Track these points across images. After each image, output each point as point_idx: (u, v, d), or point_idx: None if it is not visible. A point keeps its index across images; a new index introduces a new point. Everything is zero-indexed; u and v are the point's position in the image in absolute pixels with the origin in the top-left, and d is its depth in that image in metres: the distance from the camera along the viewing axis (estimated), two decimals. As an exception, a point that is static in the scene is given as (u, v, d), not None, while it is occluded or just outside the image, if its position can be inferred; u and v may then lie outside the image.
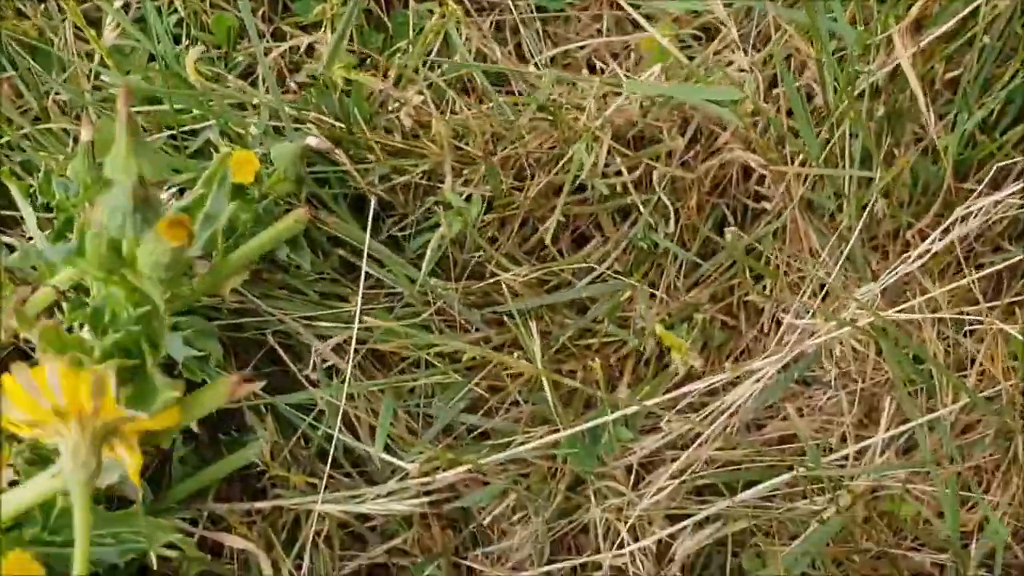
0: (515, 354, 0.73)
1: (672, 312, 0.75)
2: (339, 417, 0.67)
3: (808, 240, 0.72)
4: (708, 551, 0.72)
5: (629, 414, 0.70)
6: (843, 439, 0.69)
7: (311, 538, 0.71)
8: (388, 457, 0.67)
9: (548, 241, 0.72)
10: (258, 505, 0.72)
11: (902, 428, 0.67)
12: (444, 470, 0.68)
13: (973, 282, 0.58)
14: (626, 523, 0.69)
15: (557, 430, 0.69)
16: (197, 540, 0.72)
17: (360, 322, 0.72)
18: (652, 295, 0.75)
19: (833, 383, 0.71)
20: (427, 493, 0.68)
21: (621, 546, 0.69)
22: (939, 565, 0.68)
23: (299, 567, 0.72)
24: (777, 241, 0.74)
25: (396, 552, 0.75)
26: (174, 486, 0.72)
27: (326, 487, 0.70)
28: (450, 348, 0.72)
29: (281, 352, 0.73)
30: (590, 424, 0.66)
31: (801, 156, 0.70)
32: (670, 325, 0.75)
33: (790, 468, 0.68)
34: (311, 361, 0.73)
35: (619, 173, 0.72)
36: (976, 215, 0.60)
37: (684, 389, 0.67)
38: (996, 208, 0.60)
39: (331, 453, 0.67)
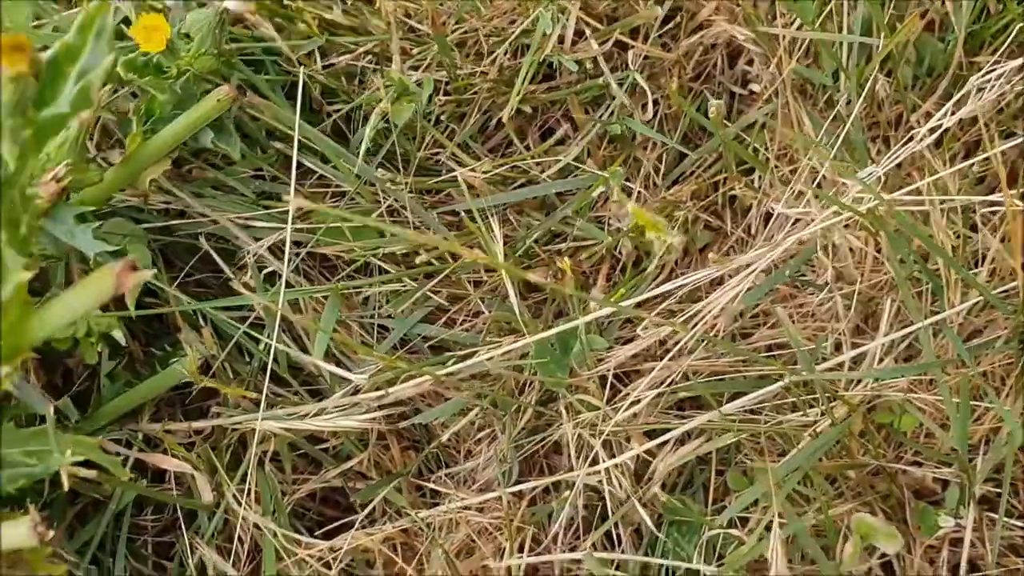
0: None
1: (651, 211, 0.67)
2: (276, 324, 0.60)
3: (801, 127, 0.64)
4: (691, 468, 0.66)
5: (603, 320, 0.63)
6: (838, 346, 0.62)
7: (256, 459, 0.64)
8: (333, 368, 0.60)
9: (506, 119, 0.63)
10: (196, 425, 0.65)
11: (903, 332, 0.60)
12: (400, 383, 0.62)
13: (995, 157, 0.50)
14: (600, 439, 0.63)
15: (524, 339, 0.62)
16: (132, 463, 0.66)
17: (300, 220, 0.65)
18: (628, 192, 0.67)
19: (828, 285, 0.63)
20: (381, 408, 0.61)
21: (595, 463, 0.62)
22: (942, 481, 0.62)
23: (245, 491, 0.66)
24: (767, 131, 0.66)
25: (352, 475, 0.69)
26: (104, 404, 0.65)
27: (272, 405, 0.64)
28: (403, 248, 0.65)
29: (216, 256, 0.66)
30: (560, 329, 0.58)
31: (796, 24, 0.62)
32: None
33: (780, 378, 0.61)
34: (247, 265, 0.65)
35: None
36: (993, 86, 0.52)
37: (664, 287, 0.59)
38: (1017, 78, 0.52)
39: (269, 365, 0.60)
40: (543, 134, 0.70)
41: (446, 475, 0.68)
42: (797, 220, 0.59)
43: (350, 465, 0.68)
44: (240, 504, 0.65)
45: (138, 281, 0.39)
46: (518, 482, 0.66)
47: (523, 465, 0.67)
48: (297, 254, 0.64)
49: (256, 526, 0.65)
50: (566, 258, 0.61)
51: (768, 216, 0.66)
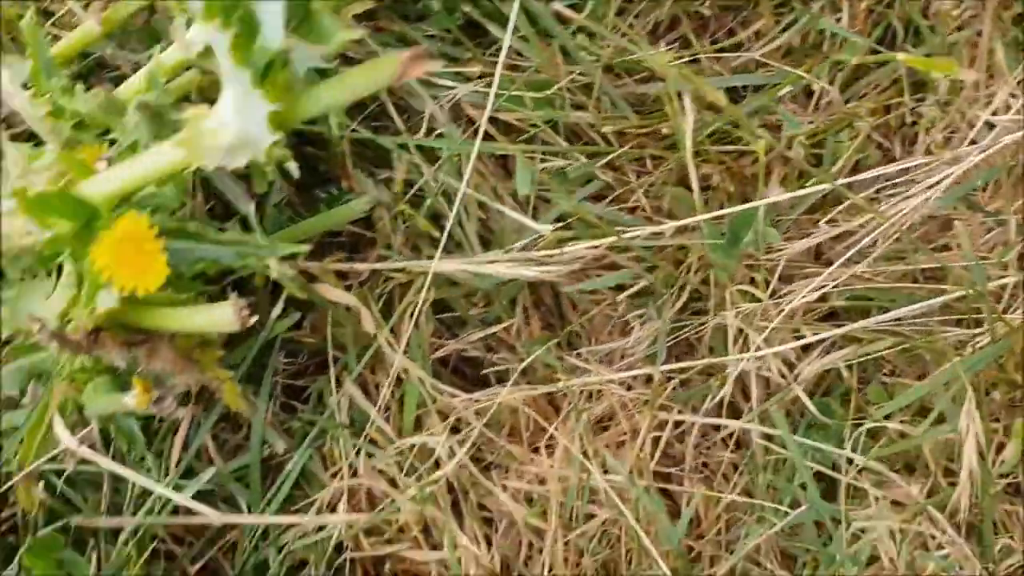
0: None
1: (825, 124, 0.68)
2: (470, 169, 0.60)
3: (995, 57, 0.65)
4: (833, 376, 0.67)
5: (775, 217, 0.64)
6: (1005, 267, 0.63)
7: (412, 307, 0.65)
8: (521, 217, 0.60)
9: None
10: (360, 266, 0.66)
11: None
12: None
13: None
14: (759, 332, 0.63)
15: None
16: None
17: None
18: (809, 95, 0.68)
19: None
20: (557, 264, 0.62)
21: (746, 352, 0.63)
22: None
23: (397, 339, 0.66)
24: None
25: (495, 343, 0.70)
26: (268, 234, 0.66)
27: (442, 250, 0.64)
28: (584, 122, 0.66)
29: (393, 111, 0.66)
30: (736, 209, 0.59)
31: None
32: (821, 140, 0.68)
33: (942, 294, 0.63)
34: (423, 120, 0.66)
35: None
36: None
37: (846, 179, 0.60)
38: None
39: (455, 210, 0.61)
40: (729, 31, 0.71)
41: (589, 352, 0.69)
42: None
43: (493, 330, 0.69)
44: (393, 348, 0.65)
45: (425, 70, 0.39)
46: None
47: (672, 350, 0.68)
48: (472, 121, 0.65)
49: (402, 374, 0.66)
50: (761, 139, 0.61)
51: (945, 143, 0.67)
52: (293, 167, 0.60)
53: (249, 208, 0.52)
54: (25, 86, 0.52)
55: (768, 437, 0.67)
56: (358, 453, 0.66)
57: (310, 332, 0.69)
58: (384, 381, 0.67)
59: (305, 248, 0.51)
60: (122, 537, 0.63)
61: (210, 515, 0.56)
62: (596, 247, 0.60)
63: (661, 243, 0.64)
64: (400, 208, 0.65)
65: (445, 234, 0.60)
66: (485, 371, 0.69)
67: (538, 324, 0.70)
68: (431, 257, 0.64)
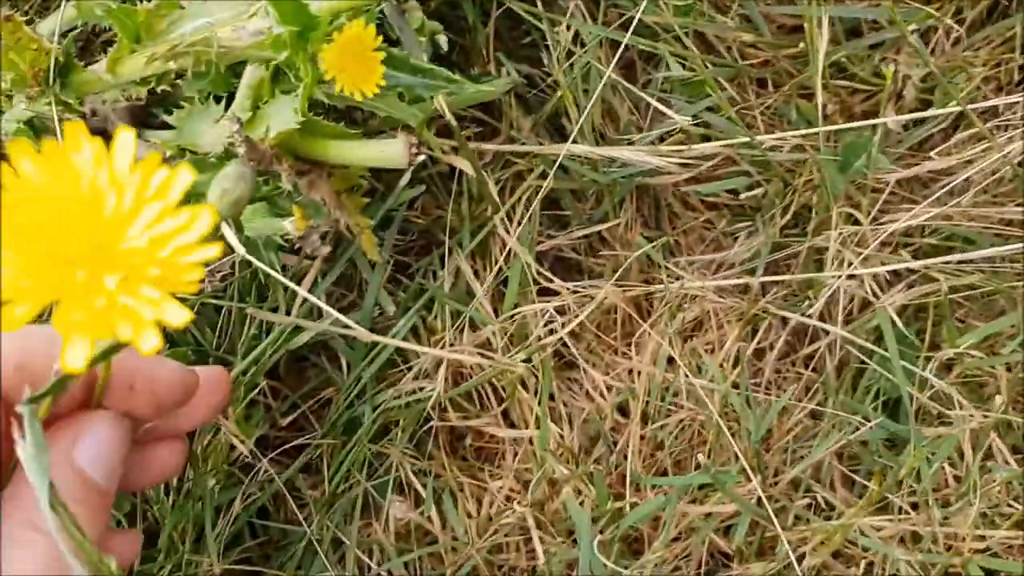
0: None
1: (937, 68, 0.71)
2: (615, 61, 0.63)
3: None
4: (912, 311, 0.70)
5: (890, 142, 0.67)
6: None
7: (528, 193, 0.68)
8: (660, 106, 0.63)
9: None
10: (486, 146, 0.68)
11: None
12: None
13: None
14: (856, 255, 0.67)
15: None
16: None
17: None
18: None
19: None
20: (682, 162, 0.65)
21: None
22: None
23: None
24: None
25: (596, 242, 0.73)
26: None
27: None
28: (714, 35, 0.69)
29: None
30: (856, 125, 0.62)
31: None
32: (932, 86, 0.71)
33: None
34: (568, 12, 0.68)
35: None
36: None
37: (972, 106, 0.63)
38: None
39: (594, 97, 0.63)
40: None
41: (687, 260, 0.72)
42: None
43: (598, 229, 0.72)
44: (507, 229, 0.68)
45: None
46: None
47: (768, 266, 0.71)
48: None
49: (509, 259, 0.69)
50: (886, 67, 0.64)
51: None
52: (443, 40, 0.63)
53: (420, 55, 0.54)
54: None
55: (841, 362, 0.70)
56: (460, 331, 0.69)
57: (420, 212, 0.72)
58: (488, 266, 0.70)
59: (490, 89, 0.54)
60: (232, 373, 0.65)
61: (359, 331, 0.58)
62: (727, 145, 0.62)
63: (778, 158, 0.67)
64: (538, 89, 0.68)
65: (580, 122, 0.62)
66: (585, 264, 0.72)
67: (638, 230, 0.73)
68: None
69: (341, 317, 0.55)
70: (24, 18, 0.51)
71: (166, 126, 0.60)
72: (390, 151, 0.50)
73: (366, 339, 0.61)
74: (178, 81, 0.57)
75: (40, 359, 0.35)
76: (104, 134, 0.63)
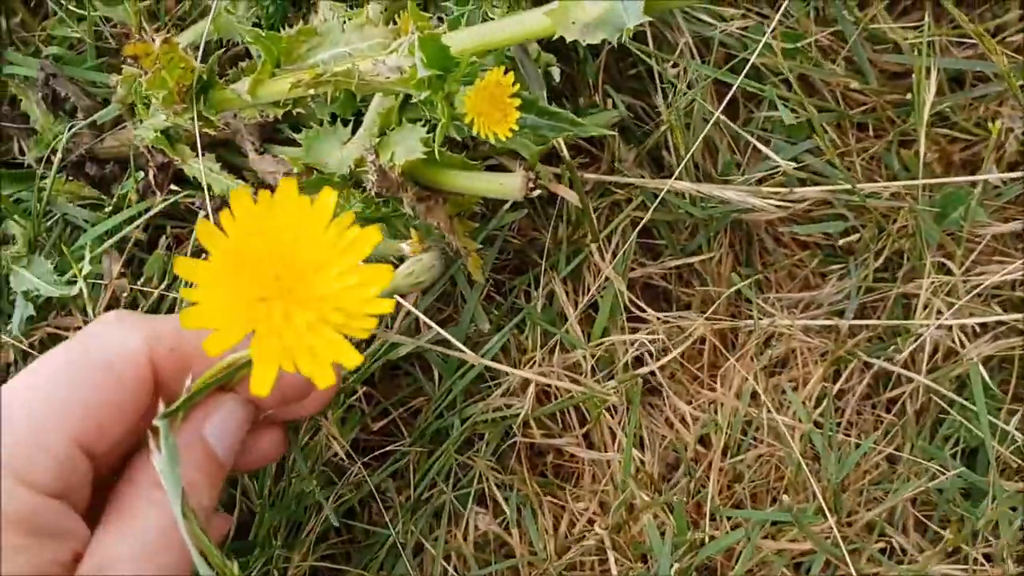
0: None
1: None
2: (726, 100, 0.65)
3: None
4: (997, 362, 0.71)
5: (988, 194, 0.68)
6: None
7: (625, 223, 0.71)
8: (765, 148, 0.65)
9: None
10: (589, 175, 0.71)
11: None
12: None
13: None
14: (947, 305, 0.68)
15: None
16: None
17: None
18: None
19: None
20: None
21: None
22: None
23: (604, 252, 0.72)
24: None
25: (687, 274, 0.75)
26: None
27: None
28: (819, 79, 0.70)
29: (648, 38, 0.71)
30: (957, 180, 0.64)
31: None
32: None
33: None
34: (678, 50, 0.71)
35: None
36: None
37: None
38: None
39: (700, 135, 0.66)
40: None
41: (776, 297, 0.74)
42: None
43: (699, 258, 0.74)
44: (603, 258, 0.71)
45: None
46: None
47: (857, 311, 0.72)
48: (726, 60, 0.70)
49: (601, 285, 0.72)
50: (991, 121, 0.66)
51: None
52: (556, 72, 0.66)
53: (541, 93, 0.57)
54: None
55: (922, 408, 0.71)
56: (550, 352, 0.72)
57: (517, 234, 0.75)
58: (581, 291, 0.72)
59: (605, 131, 0.56)
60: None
61: (468, 356, 0.61)
62: (828, 191, 0.64)
63: (875, 203, 0.69)
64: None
65: (684, 160, 0.65)
66: (674, 294, 0.74)
67: (730, 264, 0.75)
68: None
69: (442, 332, 0.58)
70: (162, 34, 0.55)
71: (292, 141, 0.63)
72: (508, 184, 0.53)
73: (469, 360, 0.64)
74: (300, 111, 0.61)
75: (190, 345, 0.41)
76: (231, 145, 0.67)
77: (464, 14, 0.53)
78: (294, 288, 0.34)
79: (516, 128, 0.46)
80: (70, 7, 0.71)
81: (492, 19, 0.50)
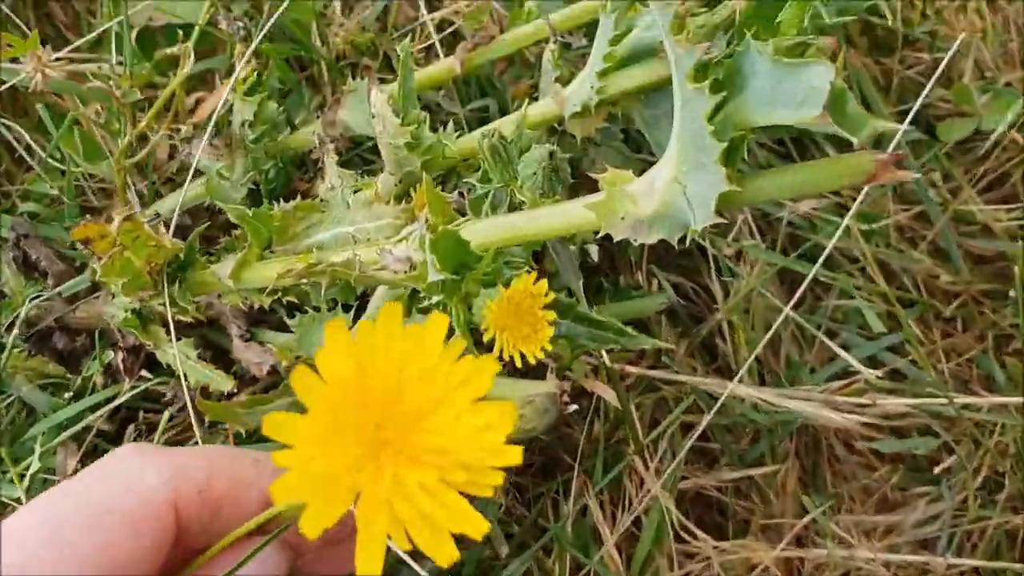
0: None
1: None
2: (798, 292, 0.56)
3: None
4: None
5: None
6: None
7: (671, 428, 0.60)
8: (843, 353, 0.56)
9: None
10: (632, 368, 0.61)
11: None
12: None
13: None
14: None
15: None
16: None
17: None
18: None
19: None
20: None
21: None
22: None
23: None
24: None
25: (744, 486, 0.64)
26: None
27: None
28: (899, 265, 0.61)
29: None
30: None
31: None
32: None
33: None
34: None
35: None
36: None
37: None
38: None
39: (769, 333, 0.56)
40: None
41: (853, 521, 0.63)
42: None
43: (760, 472, 0.63)
44: (647, 466, 0.60)
45: (896, 178, 0.35)
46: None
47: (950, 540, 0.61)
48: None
49: (642, 495, 0.61)
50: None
51: None
52: (594, 251, 0.58)
53: (578, 285, 0.48)
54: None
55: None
56: None
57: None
58: (620, 503, 0.62)
59: (660, 343, 0.46)
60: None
61: None
62: (918, 404, 0.54)
63: (971, 416, 0.59)
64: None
65: (749, 360, 0.55)
66: (731, 508, 0.63)
67: (796, 476, 0.64)
68: (706, 376, 0.60)
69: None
70: (122, 211, 0.47)
71: (284, 326, 0.55)
72: (540, 402, 0.44)
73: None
74: (292, 300, 0.52)
75: (221, 486, 0.35)
76: (216, 326, 0.59)
77: (488, 193, 0.44)
78: (400, 438, 0.28)
79: (549, 348, 0.37)
80: (50, 161, 0.63)
81: (520, 204, 0.41)
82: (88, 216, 0.65)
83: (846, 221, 0.55)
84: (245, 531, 0.34)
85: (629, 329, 0.41)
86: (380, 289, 0.49)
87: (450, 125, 0.50)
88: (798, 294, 0.53)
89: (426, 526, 0.28)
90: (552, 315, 0.37)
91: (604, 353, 0.50)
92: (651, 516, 0.61)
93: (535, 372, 0.49)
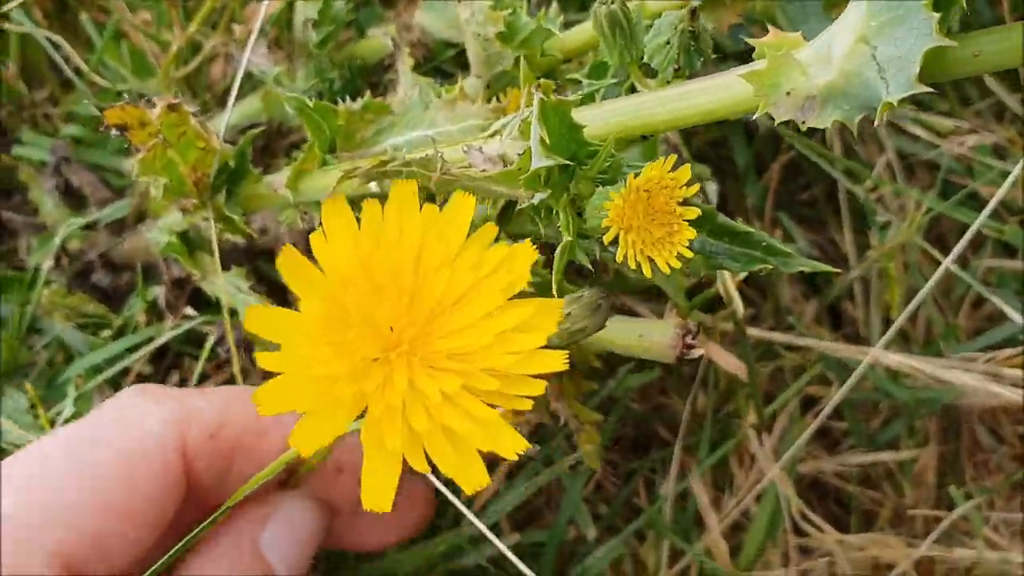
0: None
1: None
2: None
3: None
4: None
5: None
6: None
7: (793, 401, 0.52)
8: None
9: None
10: (754, 331, 0.53)
11: None
12: None
13: None
14: None
15: None
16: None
17: None
18: None
19: None
20: None
21: None
22: None
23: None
24: None
25: (874, 473, 0.55)
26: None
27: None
28: None
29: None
30: None
31: None
32: None
33: None
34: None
35: None
36: None
37: None
38: None
39: (920, 295, 0.47)
40: None
41: (1003, 520, 0.53)
42: None
43: (894, 457, 0.54)
44: (761, 443, 0.52)
45: None
46: None
47: None
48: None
49: (753, 478, 0.52)
50: None
51: None
52: (712, 189, 0.49)
53: (713, 195, 0.40)
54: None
55: None
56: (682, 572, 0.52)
57: (638, 396, 0.57)
58: (727, 485, 0.53)
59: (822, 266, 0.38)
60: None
61: None
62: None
63: None
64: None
65: (898, 321, 0.46)
66: (857, 498, 0.54)
67: (935, 465, 0.55)
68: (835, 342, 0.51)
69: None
70: (194, 109, 0.40)
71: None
72: (656, 340, 0.35)
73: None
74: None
75: (236, 429, 0.32)
76: (271, 254, 0.52)
77: (600, 90, 0.36)
78: (417, 339, 0.24)
79: (688, 255, 0.29)
80: (95, 79, 0.57)
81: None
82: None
83: (1017, 170, 0.46)
84: (265, 476, 0.29)
85: (784, 246, 0.33)
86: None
87: (553, 6, 0.42)
88: (960, 246, 0.44)
89: (449, 443, 0.24)
90: (695, 211, 0.29)
91: (735, 293, 0.41)
92: (764, 502, 0.52)
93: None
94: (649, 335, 0.36)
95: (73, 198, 0.60)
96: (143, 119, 0.38)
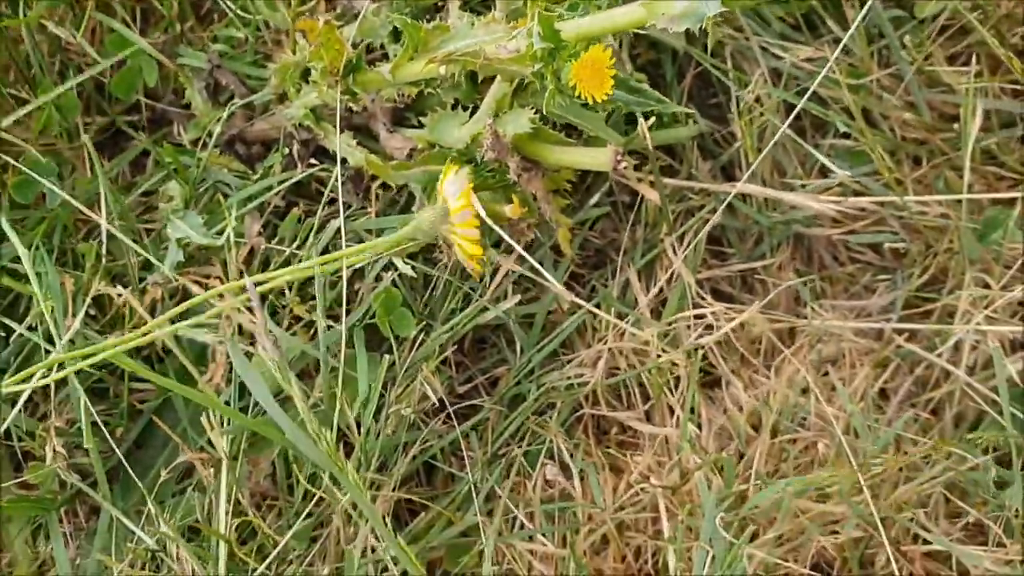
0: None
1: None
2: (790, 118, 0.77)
3: None
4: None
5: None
6: None
7: (697, 225, 0.81)
8: (823, 159, 0.76)
9: None
10: (669, 181, 0.82)
11: None
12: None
13: None
14: (988, 319, 0.77)
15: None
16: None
17: None
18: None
19: None
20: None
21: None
22: None
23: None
24: None
25: (749, 278, 0.85)
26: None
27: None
28: (879, 112, 0.81)
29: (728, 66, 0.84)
30: (999, 195, 0.74)
31: None
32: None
33: None
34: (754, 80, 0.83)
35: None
36: None
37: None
38: None
39: (768, 146, 0.77)
40: None
41: (831, 304, 0.84)
42: None
43: (762, 263, 0.84)
44: (675, 253, 0.81)
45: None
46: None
47: (903, 320, 0.81)
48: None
49: (671, 281, 0.82)
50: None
51: None
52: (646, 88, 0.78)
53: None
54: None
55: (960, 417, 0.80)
56: (621, 334, 0.82)
57: (599, 234, 0.87)
58: (654, 282, 0.83)
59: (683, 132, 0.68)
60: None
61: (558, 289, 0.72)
62: (878, 202, 0.75)
63: (923, 221, 0.79)
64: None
65: (754, 165, 0.76)
66: (738, 297, 0.85)
67: (791, 272, 0.85)
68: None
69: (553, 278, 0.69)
70: (327, 16, 0.69)
71: (416, 127, 0.77)
72: (600, 157, 0.65)
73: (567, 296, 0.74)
74: (431, 92, 0.74)
75: None
76: (365, 131, 0.81)
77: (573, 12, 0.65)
78: None
79: (610, 93, 0.58)
80: (238, 11, 0.86)
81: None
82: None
83: (826, 69, 0.76)
84: None
85: (663, 98, 0.63)
86: (493, 87, 0.70)
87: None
88: (794, 112, 0.74)
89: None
90: (615, 71, 0.58)
91: (647, 131, 0.70)
92: (675, 291, 0.82)
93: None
94: (598, 155, 0.66)
95: (218, 95, 0.89)
96: (313, 27, 0.67)
